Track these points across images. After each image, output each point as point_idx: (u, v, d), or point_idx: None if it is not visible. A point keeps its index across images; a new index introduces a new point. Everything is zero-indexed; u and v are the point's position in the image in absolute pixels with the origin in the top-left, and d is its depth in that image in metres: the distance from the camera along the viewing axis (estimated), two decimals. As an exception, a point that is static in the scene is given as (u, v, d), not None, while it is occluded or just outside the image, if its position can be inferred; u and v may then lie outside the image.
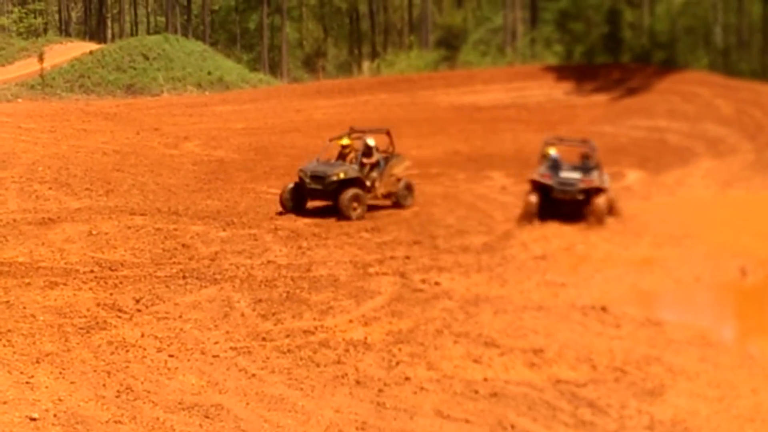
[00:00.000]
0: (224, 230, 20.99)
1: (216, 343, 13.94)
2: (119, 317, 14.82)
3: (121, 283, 16.60)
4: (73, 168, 27.31)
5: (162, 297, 15.97)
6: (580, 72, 49.30)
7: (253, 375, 12.80)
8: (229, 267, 18.06)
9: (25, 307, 14.97)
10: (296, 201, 23.15)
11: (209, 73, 50.76)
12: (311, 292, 16.70)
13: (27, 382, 11.89)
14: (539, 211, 23.18)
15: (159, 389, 12.04)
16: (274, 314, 15.40)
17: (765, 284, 19.40)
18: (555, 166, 24.16)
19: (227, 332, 14.44)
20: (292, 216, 22.65)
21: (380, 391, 12.54)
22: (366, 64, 59.90)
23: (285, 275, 17.68)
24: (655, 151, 34.28)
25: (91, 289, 16.21)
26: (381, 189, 23.98)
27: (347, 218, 22.32)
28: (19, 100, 44.85)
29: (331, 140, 24.64)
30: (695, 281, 19.29)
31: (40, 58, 48.66)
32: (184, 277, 17.13)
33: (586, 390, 12.98)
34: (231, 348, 13.76)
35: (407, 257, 19.44)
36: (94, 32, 67.79)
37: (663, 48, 51.17)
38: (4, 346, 13.18)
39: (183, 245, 19.53)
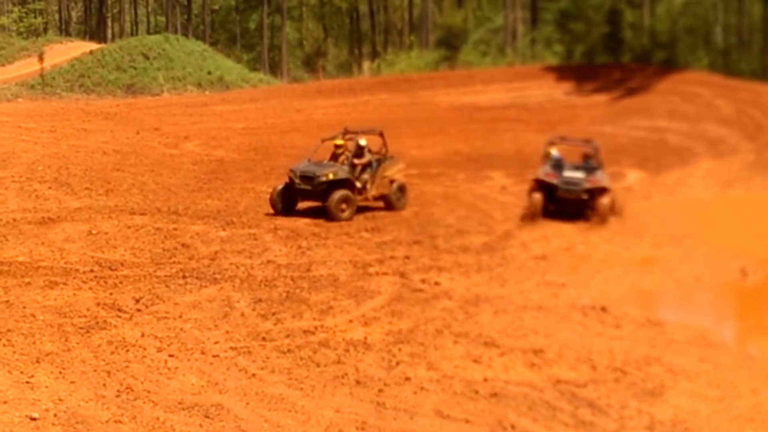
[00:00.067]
0: (224, 230, 20.98)
1: (216, 342, 13.93)
2: (119, 317, 14.82)
3: (121, 282, 16.59)
4: (73, 167, 27.31)
5: (162, 297, 15.96)
6: (581, 72, 49.28)
7: (253, 375, 12.80)
8: (229, 267, 18.05)
9: (25, 307, 14.96)
10: (286, 202, 22.96)
11: (209, 73, 50.74)
12: (311, 292, 16.69)
13: (27, 382, 11.89)
14: (543, 210, 23.24)
15: (159, 389, 12.04)
16: (274, 314, 15.40)
17: (765, 284, 19.40)
18: (558, 165, 24.20)
19: (227, 332, 14.44)
20: (292, 215, 22.63)
21: (380, 391, 12.54)
22: (366, 64, 59.87)
23: (285, 275, 17.67)
24: (655, 152, 34.27)
25: (91, 288, 16.21)
26: (373, 191, 23.72)
27: (335, 219, 22.13)
28: (19, 99, 44.86)
29: (323, 141, 24.49)
30: (695, 281, 19.29)
31: (40, 58, 48.65)
32: (184, 277, 17.13)
33: (586, 390, 12.97)
34: (231, 348, 13.75)
35: (407, 257, 19.43)
36: (94, 32, 67.76)
37: (663, 48, 51.16)
38: (4, 345, 13.17)
39: (183, 245, 19.53)
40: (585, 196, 23.49)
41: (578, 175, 23.78)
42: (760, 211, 25.52)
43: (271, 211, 22.88)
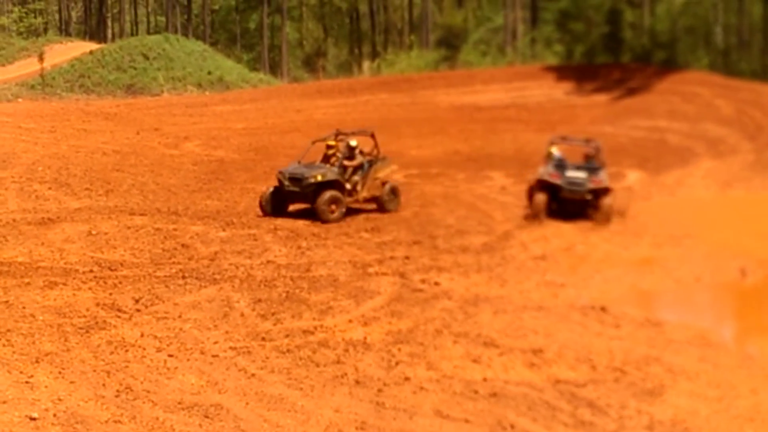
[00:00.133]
0: (224, 230, 20.99)
1: (215, 342, 13.94)
2: (119, 317, 14.82)
3: (120, 283, 16.60)
4: (73, 168, 27.32)
5: (161, 297, 15.96)
6: (581, 72, 49.28)
7: (253, 375, 12.80)
8: (228, 267, 18.05)
9: (24, 307, 14.97)
10: (276, 204, 22.76)
11: (209, 73, 50.75)
12: (311, 292, 16.69)
13: (26, 382, 11.89)
14: (547, 211, 23.29)
15: (158, 389, 12.04)
16: (273, 314, 15.40)
17: (765, 284, 19.39)
18: (560, 165, 24.22)
19: (227, 332, 14.44)
20: (289, 217, 22.58)
21: (380, 391, 12.54)
22: (366, 64, 59.88)
23: (284, 275, 17.67)
24: (655, 152, 34.26)
25: (90, 289, 16.21)
26: (364, 192, 23.48)
27: (324, 221, 21.95)
28: (19, 99, 44.86)
29: (314, 142, 24.33)
30: (695, 281, 19.29)
31: (40, 58, 48.65)
32: (183, 277, 17.13)
33: (585, 390, 12.97)
34: (230, 348, 13.76)
35: (407, 257, 19.43)
36: (94, 32, 67.76)
37: (663, 48, 51.17)
38: (4, 345, 13.17)
39: (182, 245, 19.53)
40: (589, 197, 23.56)
41: (581, 175, 23.81)
42: (760, 211, 25.51)
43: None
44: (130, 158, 29.88)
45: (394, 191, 24.12)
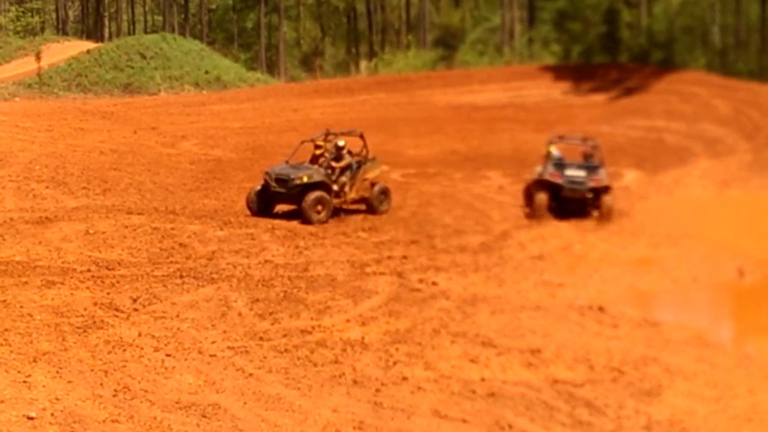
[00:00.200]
0: (221, 229, 20.97)
1: (213, 342, 13.92)
2: (116, 316, 14.80)
3: (118, 282, 16.58)
4: (71, 167, 27.30)
5: (159, 296, 15.95)
6: (578, 72, 49.29)
7: (251, 374, 12.79)
8: (226, 266, 18.04)
9: (22, 306, 14.94)
10: (262, 204, 22.60)
11: (206, 72, 50.71)
12: (308, 292, 16.68)
13: (24, 381, 11.87)
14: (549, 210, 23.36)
15: (156, 388, 12.02)
16: (271, 314, 15.39)
17: (762, 285, 19.41)
18: (560, 165, 24.27)
19: (224, 332, 14.43)
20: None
21: (377, 390, 12.53)
22: (363, 64, 59.84)
23: (282, 275, 17.66)
24: (652, 151, 34.29)
25: (88, 288, 16.19)
26: (352, 194, 23.21)
27: (310, 222, 21.71)
28: (17, 98, 44.83)
29: (302, 142, 24.15)
30: (693, 281, 19.30)
31: (38, 57, 48.61)
32: (181, 277, 17.12)
33: (583, 390, 12.97)
34: (228, 347, 13.74)
35: (404, 257, 19.43)
36: (92, 31, 67.68)
37: (661, 48, 51.18)
38: (2, 345, 13.16)
39: (180, 244, 19.51)
40: (589, 195, 23.67)
41: (580, 174, 23.87)
42: (757, 211, 25.53)
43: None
44: (128, 157, 29.86)
45: (384, 192, 23.82)
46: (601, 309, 16.51)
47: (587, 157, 24.91)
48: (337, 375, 12.97)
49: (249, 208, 22.66)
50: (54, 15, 71.13)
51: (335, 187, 22.77)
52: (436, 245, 20.62)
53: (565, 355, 14.24)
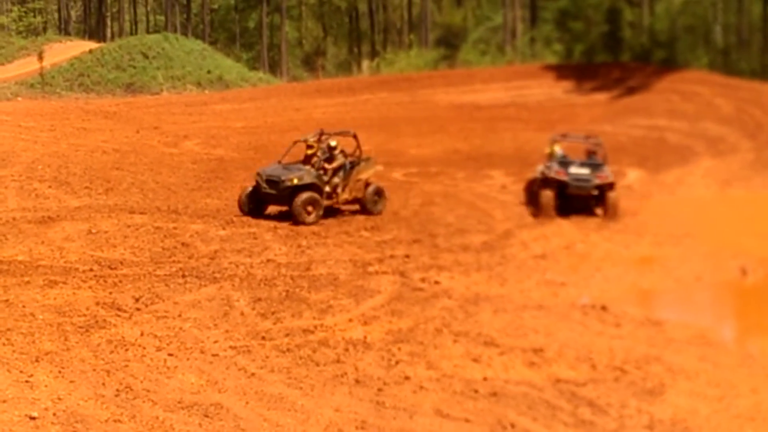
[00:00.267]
0: (224, 229, 20.96)
1: (215, 342, 13.92)
2: (119, 316, 14.80)
3: (120, 281, 16.58)
4: (73, 166, 27.29)
5: (161, 296, 15.95)
6: (580, 71, 49.26)
7: (253, 374, 12.79)
8: (228, 266, 18.04)
9: (24, 306, 14.94)
10: (254, 204, 22.39)
11: (209, 72, 50.71)
12: (311, 291, 16.68)
13: (26, 381, 11.88)
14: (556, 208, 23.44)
15: (158, 388, 12.02)
16: (273, 313, 15.39)
17: (765, 283, 19.40)
18: (564, 162, 24.31)
19: (227, 331, 14.43)
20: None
21: (380, 390, 12.53)
22: (365, 63, 59.83)
23: (284, 274, 17.66)
24: (654, 150, 34.27)
25: (90, 287, 16.19)
26: (345, 194, 22.98)
27: (301, 223, 21.48)
28: (19, 98, 44.84)
29: (295, 142, 23.92)
30: (695, 280, 19.30)
31: (40, 57, 48.62)
32: (183, 276, 17.11)
33: (585, 389, 12.97)
34: (230, 347, 13.74)
35: (407, 256, 19.42)
36: (94, 31, 67.73)
37: (663, 47, 51.12)
38: (4, 344, 13.16)
39: (182, 244, 19.51)
40: (595, 192, 23.74)
41: (584, 171, 23.93)
42: (759, 210, 25.51)
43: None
44: (130, 157, 29.85)
45: (379, 193, 23.53)
46: (603, 308, 16.51)
47: (590, 154, 24.99)
48: (340, 374, 12.97)
49: (240, 208, 22.47)
50: (56, 15, 71.18)
51: (327, 188, 22.53)
52: (438, 244, 20.62)
53: (568, 354, 14.24)
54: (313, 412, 11.63)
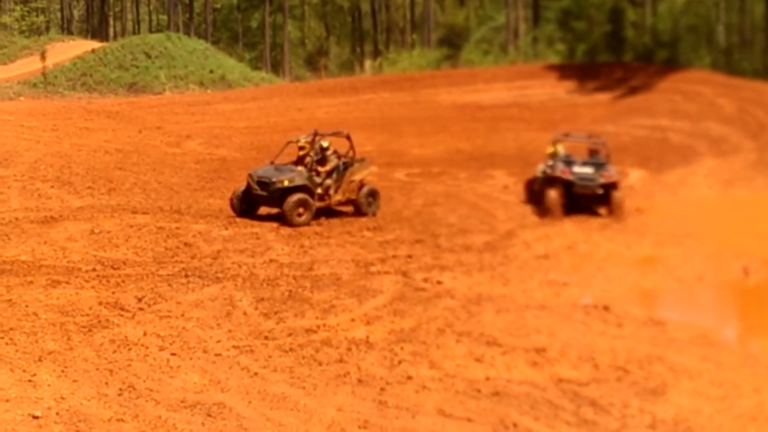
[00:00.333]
0: (226, 229, 20.97)
1: (218, 341, 13.93)
2: (121, 316, 14.81)
3: (123, 281, 16.59)
4: (76, 166, 27.31)
5: (164, 295, 15.96)
6: (583, 71, 49.26)
7: (256, 374, 12.80)
8: (231, 266, 18.05)
9: (27, 306, 14.96)
10: (247, 205, 22.25)
11: (211, 72, 50.74)
12: (313, 291, 16.69)
13: (29, 381, 11.89)
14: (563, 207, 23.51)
15: (161, 388, 12.03)
16: (276, 313, 15.40)
17: (767, 283, 19.39)
18: (567, 161, 24.35)
19: (229, 331, 14.44)
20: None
21: (382, 389, 12.54)
22: (368, 63, 59.86)
23: (287, 274, 17.67)
24: (657, 150, 34.28)
25: (93, 287, 16.20)
26: (338, 196, 22.79)
27: (292, 224, 21.32)
28: (22, 98, 44.88)
29: (288, 143, 23.76)
30: (697, 280, 19.31)
31: (43, 57, 48.65)
32: (186, 276, 17.13)
33: (588, 389, 12.98)
34: (233, 347, 13.75)
35: (409, 256, 19.43)
36: (96, 30, 67.76)
37: (665, 47, 51.12)
38: (7, 344, 13.17)
39: (185, 244, 19.52)
40: (600, 191, 23.78)
41: (588, 170, 23.98)
42: (762, 210, 25.52)
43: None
44: (133, 157, 29.87)
45: (372, 195, 23.33)
46: (606, 308, 16.52)
47: (592, 153, 25.02)
48: (342, 374, 12.98)
49: (233, 209, 22.34)
50: (59, 14, 71.22)
51: (319, 190, 22.33)
52: (440, 244, 20.63)
53: (570, 354, 14.25)
54: (316, 412, 11.64)
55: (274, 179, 22.01)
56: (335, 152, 23.11)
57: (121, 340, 13.69)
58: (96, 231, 20.08)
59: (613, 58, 51.23)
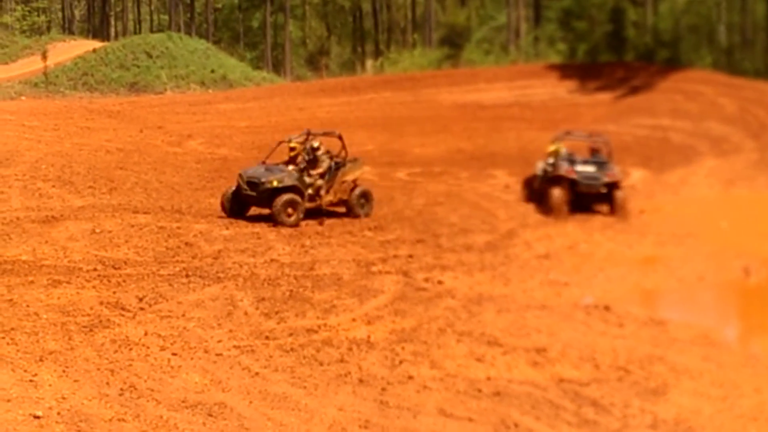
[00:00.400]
0: (227, 228, 20.97)
1: (219, 341, 13.93)
2: (122, 315, 14.81)
3: (124, 281, 16.59)
4: (77, 166, 27.32)
5: (165, 295, 15.95)
6: (584, 70, 49.25)
7: (257, 373, 12.80)
8: (232, 265, 18.04)
9: (28, 306, 14.95)
10: (237, 206, 22.14)
11: (212, 71, 50.76)
12: (314, 291, 16.69)
13: (30, 380, 11.88)
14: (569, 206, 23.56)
15: (162, 387, 12.03)
16: (277, 313, 15.39)
17: (768, 283, 19.41)
18: (570, 160, 24.37)
19: (230, 331, 14.43)
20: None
21: (383, 389, 12.54)
22: (369, 63, 59.87)
23: (288, 274, 17.67)
24: (658, 150, 34.29)
25: (94, 287, 16.20)
26: (329, 196, 22.61)
27: (281, 224, 21.20)
28: (23, 97, 44.91)
29: (280, 142, 23.62)
30: (698, 280, 19.31)
31: (44, 56, 48.68)
32: (187, 276, 17.12)
33: (589, 389, 12.98)
34: (234, 346, 13.75)
35: (410, 256, 19.43)
36: (98, 30, 67.78)
37: (666, 46, 51.14)
38: (8, 344, 13.17)
39: (186, 243, 19.52)
40: (604, 190, 23.80)
41: (590, 169, 24.02)
42: (763, 210, 25.52)
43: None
44: (134, 156, 29.89)
45: (365, 196, 23.10)
46: (606, 308, 16.52)
47: (593, 152, 25.04)
48: (343, 374, 12.98)
49: (223, 209, 22.25)
50: (60, 14, 71.25)
51: (309, 191, 22.17)
52: (441, 244, 20.63)
53: (571, 354, 14.25)
54: (317, 412, 11.63)
55: (263, 179, 21.89)
56: (327, 152, 22.97)
57: (122, 340, 13.69)
58: (97, 230, 20.08)
59: (614, 58, 51.24)
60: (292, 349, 13.76)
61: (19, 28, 63.63)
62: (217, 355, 13.38)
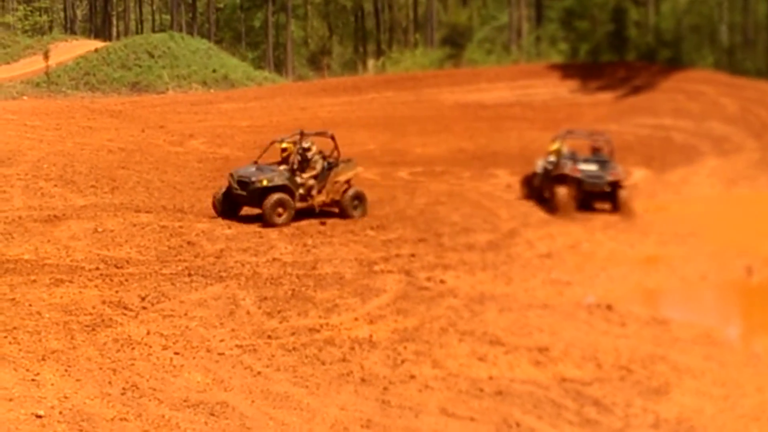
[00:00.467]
0: (229, 228, 20.97)
1: (221, 340, 13.93)
2: (125, 315, 14.81)
3: (126, 280, 16.59)
4: (79, 165, 27.33)
5: (167, 294, 15.95)
6: (586, 70, 49.28)
7: (259, 373, 12.80)
8: (234, 264, 18.05)
9: (30, 305, 14.96)
10: (229, 206, 22.06)
11: (214, 71, 50.80)
12: (316, 290, 16.68)
13: (33, 380, 11.89)
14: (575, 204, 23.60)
15: (164, 387, 12.03)
16: (279, 312, 15.39)
17: (770, 283, 19.40)
18: (573, 159, 24.39)
19: (233, 330, 14.43)
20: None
21: (385, 389, 12.53)
22: (371, 62, 59.91)
23: (290, 273, 17.66)
24: (660, 150, 34.29)
25: (96, 286, 16.20)
26: (321, 197, 22.43)
27: (271, 224, 21.11)
28: (25, 97, 44.94)
29: (272, 142, 23.46)
30: (701, 280, 19.29)
31: (46, 56, 48.74)
32: (189, 275, 17.12)
33: (591, 388, 12.97)
34: (236, 346, 13.75)
35: (412, 255, 19.43)
36: (100, 30, 67.87)
37: (668, 46, 51.16)
38: (10, 343, 13.17)
39: (188, 243, 19.52)
40: (608, 189, 23.84)
41: (594, 168, 24.04)
42: (765, 210, 25.51)
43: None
44: (136, 156, 29.90)
45: (358, 197, 22.90)
46: (609, 307, 16.50)
47: (595, 151, 25.05)
48: (345, 373, 12.97)
49: (215, 209, 22.18)
50: (62, 14, 71.32)
51: (301, 191, 22.05)
52: (443, 243, 20.62)
53: (573, 353, 14.24)
54: (319, 411, 11.63)
55: (253, 179, 21.82)
56: (320, 153, 22.84)
57: (125, 339, 13.69)
58: (99, 230, 20.08)
59: (616, 58, 51.29)
60: (294, 349, 13.76)
61: (21, 27, 63.73)
62: (219, 354, 13.38)
